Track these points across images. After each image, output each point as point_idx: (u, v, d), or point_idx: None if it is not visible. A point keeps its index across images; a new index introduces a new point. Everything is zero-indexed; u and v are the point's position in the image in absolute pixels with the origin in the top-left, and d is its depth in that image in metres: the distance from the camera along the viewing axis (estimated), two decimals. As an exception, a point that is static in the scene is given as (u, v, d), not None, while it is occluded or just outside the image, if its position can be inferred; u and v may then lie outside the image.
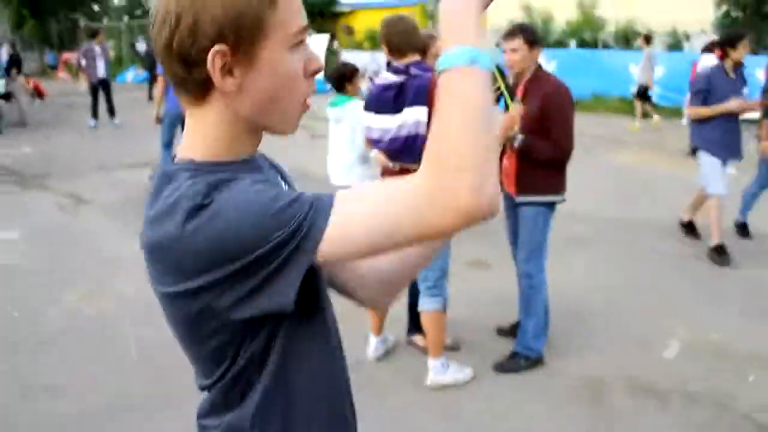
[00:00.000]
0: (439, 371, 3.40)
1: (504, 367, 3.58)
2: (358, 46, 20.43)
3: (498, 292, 4.49)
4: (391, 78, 3.22)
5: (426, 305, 3.35)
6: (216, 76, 0.92)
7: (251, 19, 0.91)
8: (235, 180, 0.91)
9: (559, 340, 3.89)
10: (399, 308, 3.86)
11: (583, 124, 10.97)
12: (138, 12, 30.94)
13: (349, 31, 24.81)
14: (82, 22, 26.95)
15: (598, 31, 20.75)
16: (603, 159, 9.31)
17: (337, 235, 0.85)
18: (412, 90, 3.11)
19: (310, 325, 1.05)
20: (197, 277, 0.89)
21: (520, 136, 3.30)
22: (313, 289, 1.00)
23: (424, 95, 3.09)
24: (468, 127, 0.81)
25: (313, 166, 7.51)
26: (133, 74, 23.08)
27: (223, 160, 0.98)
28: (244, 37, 0.91)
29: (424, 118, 3.10)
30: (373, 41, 23.07)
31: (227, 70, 0.92)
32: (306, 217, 0.85)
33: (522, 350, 3.60)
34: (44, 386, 3.46)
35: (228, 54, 0.91)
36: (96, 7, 32.10)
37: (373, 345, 3.73)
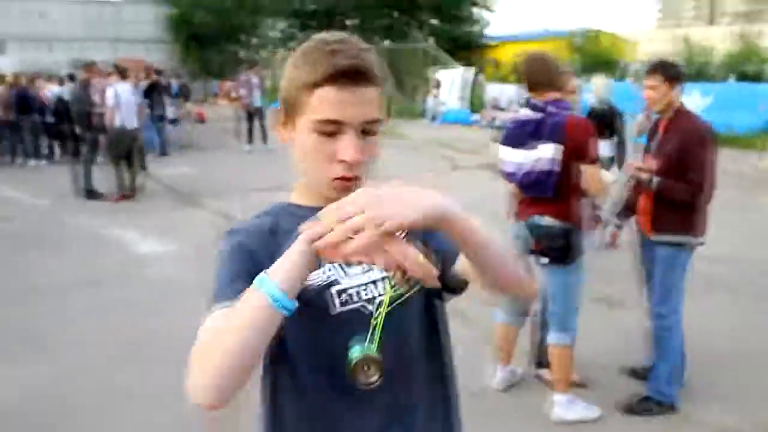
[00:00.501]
0: (564, 407, 3.38)
1: (634, 409, 3.49)
2: (504, 79, 20.52)
3: (625, 331, 4.38)
4: (530, 114, 3.30)
5: (554, 339, 3.36)
6: (277, 127, 1.24)
7: (293, 96, 1.17)
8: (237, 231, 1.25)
9: (696, 386, 3.73)
10: (528, 341, 3.89)
11: (739, 162, 10.41)
12: (292, 44, 32.82)
13: (495, 63, 24.98)
14: (242, 54, 29.03)
15: (763, 63, 19.49)
16: (761, 199, 8.74)
17: None
18: (548, 127, 3.17)
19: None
20: None
21: (655, 179, 3.28)
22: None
23: (560, 133, 3.14)
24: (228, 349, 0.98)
25: (454, 198, 7.62)
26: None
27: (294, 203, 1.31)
28: (288, 107, 1.19)
29: (558, 156, 3.15)
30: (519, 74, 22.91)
31: (284, 125, 1.22)
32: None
33: (654, 394, 3.49)
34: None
35: (283, 114, 1.21)
36: (254, 40, 34.41)
37: (499, 376, 3.76)
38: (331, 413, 1.23)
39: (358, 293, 1.21)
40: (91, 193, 9.34)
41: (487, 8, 33.50)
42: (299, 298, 1.00)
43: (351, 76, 1.11)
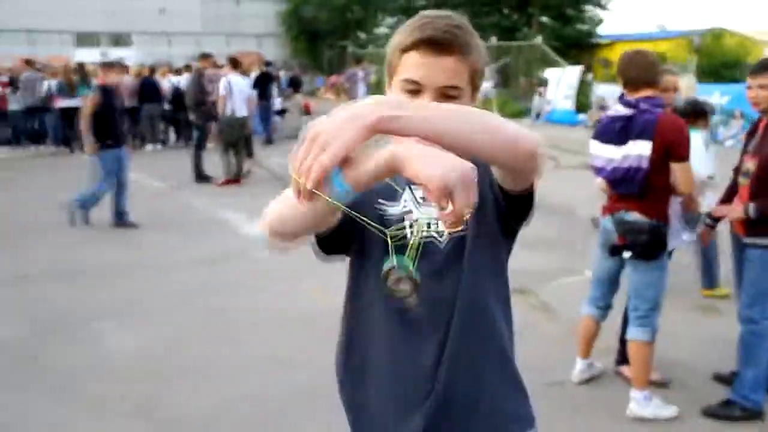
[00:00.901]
0: (640, 403, 3.36)
1: (715, 413, 3.42)
2: (614, 79, 19.83)
3: (724, 338, 4.25)
4: (621, 110, 3.31)
5: (633, 335, 3.35)
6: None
7: (390, 59, 1.36)
8: None
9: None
10: (612, 337, 3.88)
11: None
12: (400, 40, 33.12)
13: (606, 63, 24.26)
14: (350, 49, 29.68)
15: None
16: None
17: None
18: (639, 124, 3.17)
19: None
20: None
21: (751, 207, 3.20)
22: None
23: (650, 131, 3.13)
24: None
25: (556, 197, 7.61)
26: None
27: None
28: (389, 68, 1.37)
29: (647, 153, 3.14)
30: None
31: (388, 86, 1.38)
32: None
33: (738, 399, 3.41)
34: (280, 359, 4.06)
35: (387, 75, 1.39)
36: (363, 35, 35.04)
37: (579, 368, 3.77)
38: (391, 334, 1.39)
39: (428, 225, 1.36)
40: (200, 177, 9.93)
41: (602, 6, 32.53)
42: (381, 222, 1.27)
43: (433, 45, 1.27)
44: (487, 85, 21.50)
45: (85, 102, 7.25)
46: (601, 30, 31.49)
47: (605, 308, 3.65)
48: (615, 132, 3.27)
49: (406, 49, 1.31)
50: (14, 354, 4.17)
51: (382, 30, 36.34)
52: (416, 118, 1.02)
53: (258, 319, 4.63)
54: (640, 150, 3.16)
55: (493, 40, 22.90)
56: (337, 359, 1.52)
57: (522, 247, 5.89)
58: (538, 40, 21.30)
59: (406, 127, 1.01)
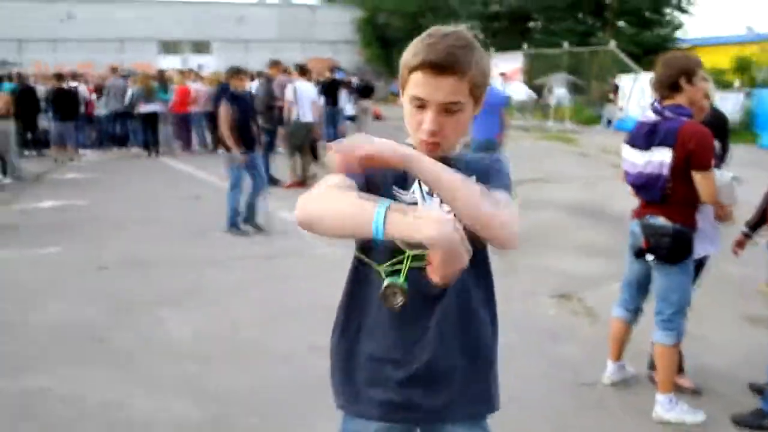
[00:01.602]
0: (665, 406, 3.40)
1: (744, 421, 3.41)
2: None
3: (763, 350, 4.21)
4: (650, 116, 3.36)
5: (658, 338, 3.40)
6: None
7: (402, 74, 1.55)
8: None
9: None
10: (646, 341, 3.92)
11: None
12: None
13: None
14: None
15: None
16: None
17: None
18: (662, 131, 3.21)
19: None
20: None
21: None
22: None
23: (672, 138, 3.17)
24: None
25: (615, 205, 7.60)
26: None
27: None
28: (401, 80, 1.56)
29: (668, 160, 3.18)
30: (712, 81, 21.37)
31: (402, 95, 1.58)
32: None
33: (768, 408, 3.41)
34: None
35: (399, 86, 1.58)
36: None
37: (609, 370, 3.83)
38: (385, 318, 1.61)
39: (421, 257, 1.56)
40: (268, 179, 10.31)
41: (683, 10, 31.56)
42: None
43: (434, 66, 1.45)
44: (560, 93, 21.30)
45: (220, 109, 7.37)
46: (682, 34, 30.58)
47: (634, 311, 3.70)
48: (641, 137, 3.33)
49: (413, 69, 1.49)
50: (83, 334, 4.56)
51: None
52: (430, 171, 1.34)
53: (304, 310, 4.88)
54: (661, 157, 3.21)
55: (565, 45, 22.64)
56: (333, 336, 1.73)
57: (572, 252, 6.10)
58: (612, 45, 20.88)
59: (420, 172, 1.34)
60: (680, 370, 3.78)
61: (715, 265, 5.23)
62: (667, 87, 3.29)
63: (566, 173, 11.51)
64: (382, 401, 1.64)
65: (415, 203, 1.56)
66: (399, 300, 1.39)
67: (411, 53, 1.50)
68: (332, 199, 1.33)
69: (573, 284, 5.59)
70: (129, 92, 14.12)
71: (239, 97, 7.47)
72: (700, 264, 3.61)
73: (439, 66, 1.44)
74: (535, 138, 17.56)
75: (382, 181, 1.54)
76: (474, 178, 1.53)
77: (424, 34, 1.50)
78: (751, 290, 5.38)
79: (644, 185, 3.31)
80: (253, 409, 3.57)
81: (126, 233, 7.48)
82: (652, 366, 3.87)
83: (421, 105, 1.50)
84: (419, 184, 1.57)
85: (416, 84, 1.48)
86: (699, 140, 3.14)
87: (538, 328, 4.69)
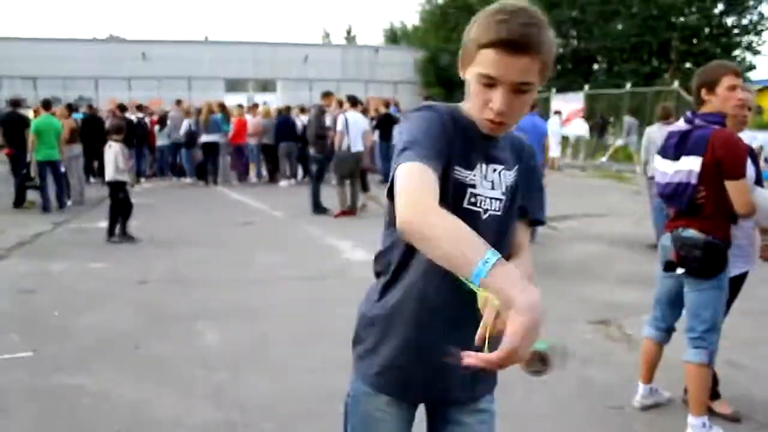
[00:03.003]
0: (697, 430, 3.24)
1: (785, 450, 3.23)
2: (766, 126, 18.59)
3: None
4: (681, 126, 3.29)
5: (689, 357, 3.24)
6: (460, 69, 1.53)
7: (468, 49, 1.47)
8: None
9: None
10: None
11: None
12: (539, 87, 32.91)
13: (759, 110, 22.86)
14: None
15: None
16: None
17: None
18: (692, 139, 3.13)
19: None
20: None
21: None
22: None
23: (701, 146, 3.08)
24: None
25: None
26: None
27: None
28: (465, 55, 1.49)
29: (697, 168, 3.09)
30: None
31: (462, 67, 1.51)
32: None
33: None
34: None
35: (462, 59, 1.51)
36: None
37: (640, 393, 3.68)
38: (428, 294, 1.58)
39: (481, 201, 1.55)
40: (318, 208, 10.47)
41: (753, 51, 30.80)
42: (451, 185, 1.49)
43: (509, 45, 1.37)
44: (632, 139, 20.80)
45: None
46: (753, 75, 29.73)
47: (666, 330, 3.55)
48: (671, 147, 3.26)
49: (483, 46, 1.40)
50: (119, 342, 4.70)
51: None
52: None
53: (337, 331, 4.85)
54: (690, 165, 3.12)
55: (628, 86, 22.34)
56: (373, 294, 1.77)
57: (614, 282, 5.95)
58: (675, 85, 20.47)
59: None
60: (716, 395, 3.61)
61: (764, 296, 5.04)
62: (696, 98, 3.23)
63: (617, 209, 11.28)
64: (405, 384, 1.66)
65: (474, 185, 1.54)
66: (541, 368, 1.25)
67: (483, 29, 1.41)
68: (448, 226, 1.22)
69: (612, 311, 5.42)
70: (185, 123, 14.62)
71: None
72: (738, 283, 3.44)
73: (514, 45, 1.37)
74: (590, 176, 17.28)
75: (449, 158, 1.49)
76: (518, 156, 1.63)
77: (492, 9, 1.42)
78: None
79: (672, 194, 3.22)
80: (271, 415, 3.58)
81: (172, 253, 7.69)
82: (687, 390, 3.70)
83: (491, 84, 1.43)
84: (484, 166, 1.56)
85: (487, 62, 1.40)
86: (729, 147, 3.04)
87: (571, 351, 4.55)
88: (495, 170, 1.58)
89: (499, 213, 1.57)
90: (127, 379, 4.07)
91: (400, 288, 1.62)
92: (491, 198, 1.56)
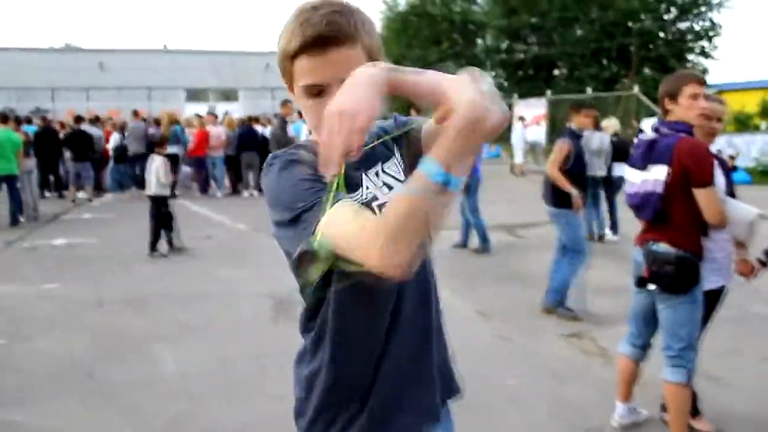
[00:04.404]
0: (677, 451, 3.13)
1: (766, 467, 3.14)
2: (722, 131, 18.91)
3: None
4: (649, 135, 3.20)
5: (667, 375, 3.13)
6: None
7: (283, 66, 1.31)
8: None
9: None
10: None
11: None
12: (500, 94, 33.15)
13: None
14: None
15: None
16: None
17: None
18: (658, 148, 3.05)
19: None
20: None
21: None
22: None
23: (667, 155, 3.00)
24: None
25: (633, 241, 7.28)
26: (486, 149, 24.65)
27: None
28: (284, 73, 1.33)
29: (663, 177, 3.00)
30: (738, 124, 21.26)
31: (290, 89, 1.35)
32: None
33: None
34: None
35: (285, 79, 1.34)
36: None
37: (618, 412, 3.56)
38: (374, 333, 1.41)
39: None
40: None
41: (706, 55, 31.51)
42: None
43: (318, 44, 1.22)
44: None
45: (555, 150, 5.69)
46: (708, 79, 30.39)
47: (642, 347, 3.43)
48: (639, 156, 3.17)
49: (294, 56, 1.26)
50: (74, 369, 4.43)
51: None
52: (418, 78, 1.11)
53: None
54: (657, 174, 3.03)
55: (589, 91, 22.59)
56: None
57: (585, 292, 5.72)
58: (636, 90, 20.75)
59: (414, 84, 1.11)
60: (696, 412, 3.51)
61: (738, 304, 4.99)
62: (661, 107, 3.15)
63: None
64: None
65: (375, 197, 1.36)
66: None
67: (286, 38, 1.26)
68: (390, 213, 1.07)
69: (584, 323, 5.32)
70: (115, 136, 14.22)
71: (578, 136, 5.84)
72: (714, 297, 3.33)
73: (325, 40, 1.21)
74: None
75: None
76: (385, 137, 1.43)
77: (292, 15, 1.26)
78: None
79: (640, 204, 3.13)
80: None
81: (129, 270, 7.40)
82: (664, 408, 3.60)
83: (318, 92, 1.26)
84: (368, 176, 1.37)
85: (305, 71, 1.25)
86: (695, 155, 2.96)
87: (546, 368, 4.43)
88: (377, 173, 1.41)
89: None
90: (83, 410, 3.81)
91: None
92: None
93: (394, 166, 1.44)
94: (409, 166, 1.42)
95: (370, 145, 1.36)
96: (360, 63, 1.21)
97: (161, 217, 8.13)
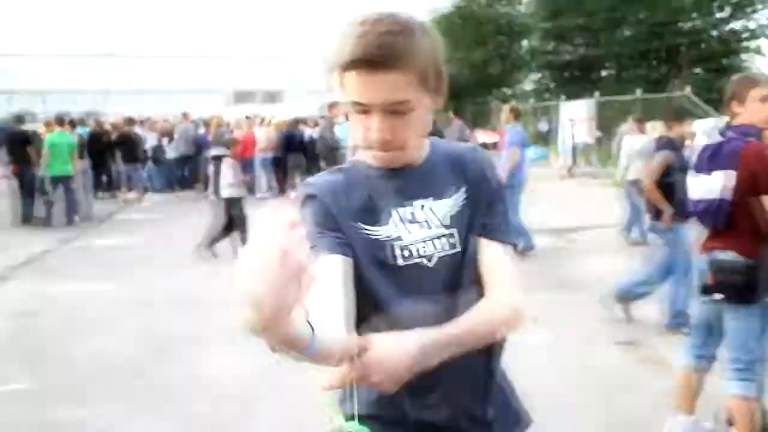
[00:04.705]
0: (744, 469, 2.99)
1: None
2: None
3: None
4: (715, 139, 3.08)
5: (733, 390, 3.00)
6: None
7: (332, 69, 1.25)
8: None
9: None
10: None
11: None
12: (546, 95, 32.82)
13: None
14: (493, 104, 29.74)
15: None
16: None
17: None
18: (724, 153, 2.94)
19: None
20: None
21: None
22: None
23: (734, 159, 2.88)
24: None
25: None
26: (534, 152, 24.25)
27: None
28: (339, 82, 1.26)
29: (731, 183, 2.88)
30: None
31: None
32: None
33: None
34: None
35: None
36: (508, 91, 35.08)
37: (681, 426, 3.40)
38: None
39: (417, 249, 1.31)
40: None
41: (762, 53, 30.53)
42: (369, 252, 1.28)
43: (368, 63, 1.17)
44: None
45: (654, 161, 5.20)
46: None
47: (706, 358, 3.29)
48: (704, 161, 3.05)
49: (343, 69, 1.22)
50: (122, 370, 4.49)
51: (527, 86, 36.27)
52: (431, 357, 1.17)
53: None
54: (722, 180, 2.91)
55: (638, 92, 22.09)
56: None
57: (645, 299, 5.42)
58: (687, 90, 20.24)
59: (440, 355, 1.19)
60: (766, 430, 3.35)
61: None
62: (728, 111, 3.03)
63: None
64: None
65: (399, 237, 1.31)
66: None
67: (339, 48, 1.21)
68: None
69: (641, 331, 5.17)
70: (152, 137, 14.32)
71: (676, 145, 5.19)
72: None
73: (371, 62, 1.17)
74: (602, 184, 17.00)
75: (342, 215, 1.30)
76: (460, 174, 1.37)
77: (349, 23, 1.22)
78: None
79: (705, 211, 3.01)
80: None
81: (179, 270, 7.47)
82: (730, 422, 3.45)
83: (364, 110, 1.23)
84: (398, 212, 1.32)
85: (353, 86, 1.21)
86: (762, 160, 2.84)
87: (599, 378, 4.31)
88: (422, 207, 1.33)
89: (451, 251, 1.32)
90: (131, 412, 3.86)
91: None
92: (429, 239, 1.32)
93: (447, 204, 1.35)
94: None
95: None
96: (406, 89, 1.21)
97: (234, 219, 8.04)
